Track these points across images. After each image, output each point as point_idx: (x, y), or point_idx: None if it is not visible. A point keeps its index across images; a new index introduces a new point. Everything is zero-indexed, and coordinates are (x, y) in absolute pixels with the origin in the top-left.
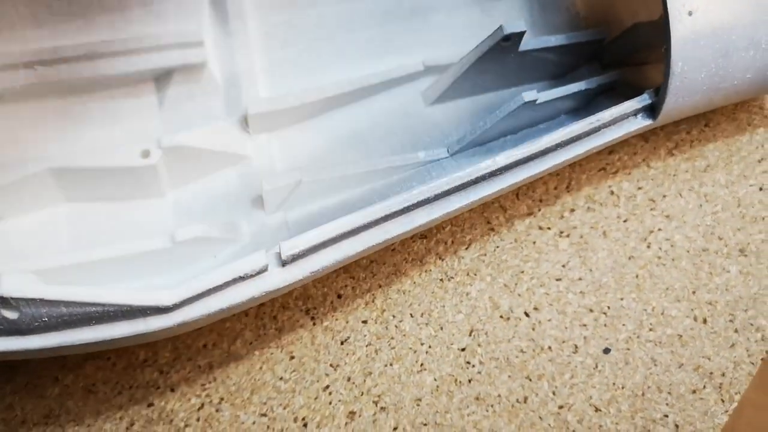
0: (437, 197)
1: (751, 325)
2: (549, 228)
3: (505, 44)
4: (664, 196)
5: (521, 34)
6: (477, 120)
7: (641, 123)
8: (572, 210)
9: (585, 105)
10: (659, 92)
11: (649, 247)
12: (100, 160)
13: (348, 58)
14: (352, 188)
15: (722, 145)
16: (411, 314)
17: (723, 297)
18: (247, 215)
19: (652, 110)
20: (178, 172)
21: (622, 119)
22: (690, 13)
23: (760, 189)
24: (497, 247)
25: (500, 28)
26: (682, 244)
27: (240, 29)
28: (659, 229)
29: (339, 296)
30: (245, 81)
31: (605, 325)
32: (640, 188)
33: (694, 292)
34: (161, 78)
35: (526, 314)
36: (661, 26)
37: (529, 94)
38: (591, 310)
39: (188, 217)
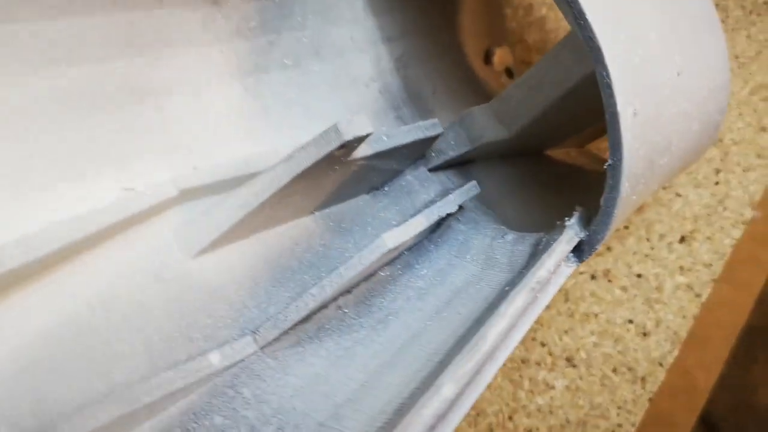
0: None
1: None
2: None
3: (340, 152)
4: None
5: (364, 138)
6: (280, 275)
7: (567, 272)
8: None
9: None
10: (592, 223)
11: None
12: None
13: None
14: None
15: None
16: None
17: (545, 422)
18: None
19: (579, 250)
20: None
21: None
22: (635, 114)
23: (593, 277)
24: None
25: (335, 129)
26: None
27: None
28: None
29: None
30: None
31: None
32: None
33: (510, 418)
34: None
35: None
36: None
37: (390, 237)
38: None
39: None
